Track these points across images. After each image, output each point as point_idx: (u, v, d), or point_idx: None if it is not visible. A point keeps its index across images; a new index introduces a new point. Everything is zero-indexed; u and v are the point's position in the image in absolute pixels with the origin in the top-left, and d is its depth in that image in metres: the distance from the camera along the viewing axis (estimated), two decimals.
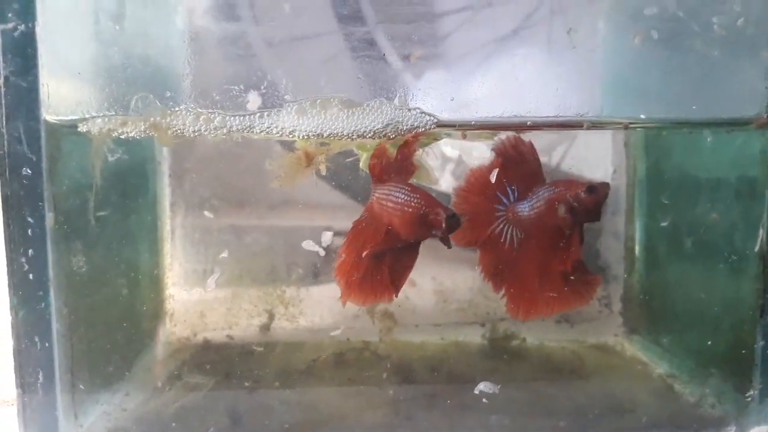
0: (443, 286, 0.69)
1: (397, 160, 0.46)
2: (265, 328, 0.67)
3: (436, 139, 0.55)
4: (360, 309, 0.66)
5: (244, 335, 0.66)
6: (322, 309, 0.69)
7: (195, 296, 0.67)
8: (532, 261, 0.47)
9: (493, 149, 0.48)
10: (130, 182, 0.57)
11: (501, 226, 0.48)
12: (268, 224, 0.70)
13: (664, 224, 0.61)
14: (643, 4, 0.46)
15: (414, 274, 0.66)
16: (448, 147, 0.68)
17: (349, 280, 0.45)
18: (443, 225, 0.42)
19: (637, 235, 0.66)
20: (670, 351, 0.59)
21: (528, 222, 0.46)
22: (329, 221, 0.68)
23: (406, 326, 0.67)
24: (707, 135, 0.49)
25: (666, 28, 0.46)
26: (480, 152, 0.66)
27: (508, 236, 0.47)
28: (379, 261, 0.45)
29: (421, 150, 0.54)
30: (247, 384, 0.55)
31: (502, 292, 0.48)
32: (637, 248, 0.66)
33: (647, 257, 0.65)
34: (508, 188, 0.48)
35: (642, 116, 0.45)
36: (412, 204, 0.43)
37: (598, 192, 0.44)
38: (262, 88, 0.43)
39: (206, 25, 0.45)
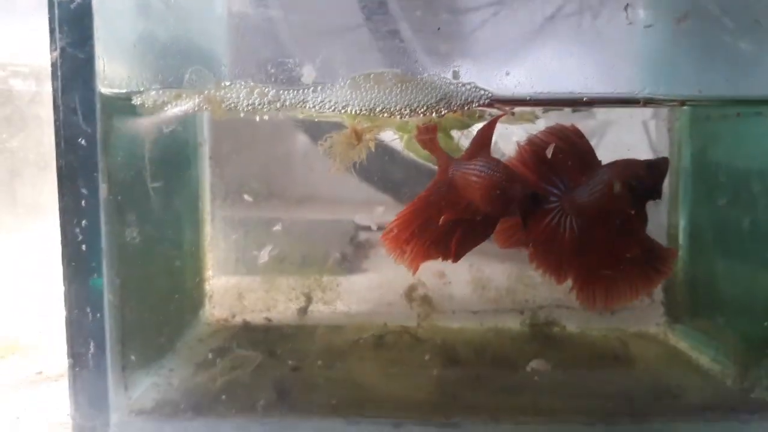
0: (481, 273, 0.68)
1: (477, 137, 0.46)
2: (303, 311, 0.67)
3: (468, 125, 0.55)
4: (396, 295, 0.66)
5: (282, 318, 0.66)
6: (358, 294, 0.69)
7: (233, 279, 0.67)
8: (600, 247, 0.45)
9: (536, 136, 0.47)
10: (175, 161, 0.58)
11: (557, 216, 0.46)
12: (305, 212, 0.70)
13: (710, 212, 0.60)
14: None
15: (449, 267, 0.66)
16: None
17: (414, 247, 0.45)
18: (523, 201, 0.42)
19: (681, 223, 0.65)
20: (717, 338, 0.58)
21: (588, 208, 0.44)
22: (367, 212, 0.68)
23: (444, 312, 0.67)
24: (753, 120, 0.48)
25: (723, 4, 0.45)
26: (519, 137, 0.65)
27: (566, 226, 0.46)
28: (451, 229, 0.45)
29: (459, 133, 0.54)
30: (290, 362, 0.55)
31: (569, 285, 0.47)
32: (680, 236, 0.65)
33: (691, 245, 0.64)
34: (557, 178, 0.46)
35: (699, 92, 0.44)
36: (494, 178, 0.43)
37: (657, 168, 0.43)
38: (317, 61, 0.43)
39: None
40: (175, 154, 0.57)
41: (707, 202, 0.62)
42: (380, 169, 0.64)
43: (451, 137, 0.55)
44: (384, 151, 0.61)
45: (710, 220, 0.61)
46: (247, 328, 0.64)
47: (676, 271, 0.65)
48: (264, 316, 0.67)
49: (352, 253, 0.73)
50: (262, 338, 0.62)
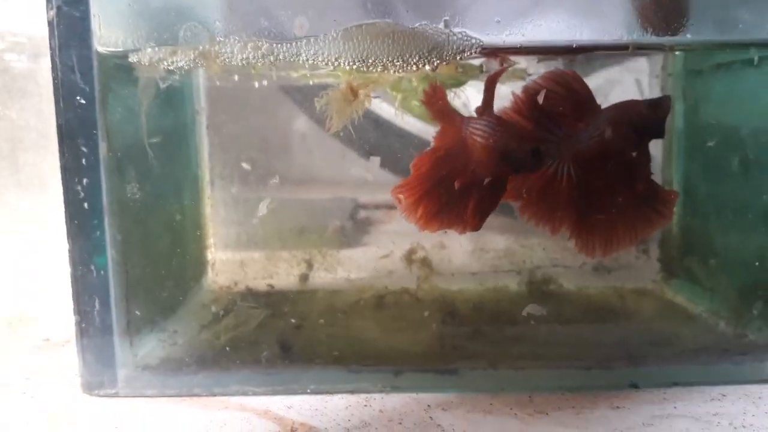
0: (478, 235, 0.69)
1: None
2: (304, 277, 0.68)
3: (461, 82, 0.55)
4: (395, 260, 0.67)
5: (284, 284, 0.67)
6: (358, 259, 0.70)
7: (234, 246, 0.68)
8: (600, 192, 0.45)
9: (533, 83, 0.46)
10: (173, 123, 0.58)
11: (553, 165, 0.45)
12: (303, 177, 0.71)
13: (703, 167, 0.61)
14: None
15: (449, 238, 0.67)
16: (475, 91, 0.69)
17: (428, 206, 0.46)
18: (524, 158, 0.42)
19: (675, 180, 0.66)
20: (711, 289, 0.59)
21: (588, 152, 0.44)
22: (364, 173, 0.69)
23: (443, 275, 0.67)
24: (754, 53, 0.49)
25: None
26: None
27: (563, 174, 0.45)
28: (466, 194, 0.45)
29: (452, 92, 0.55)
30: (293, 320, 0.55)
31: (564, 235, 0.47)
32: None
33: (685, 201, 0.65)
34: (553, 126, 0.45)
35: (688, 36, 0.45)
36: (494, 137, 0.44)
37: (659, 107, 0.43)
38: (309, 12, 0.44)
39: None
40: (173, 117, 0.58)
41: (700, 156, 0.62)
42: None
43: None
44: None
45: (703, 175, 0.62)
46: (250, 294, 0.65)
47: (671, 226, 0.66)
48: (267, 283, 0.67)
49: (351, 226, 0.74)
50: (266, 302, 0.63)
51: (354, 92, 0.50)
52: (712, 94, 0.61)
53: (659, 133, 0.44)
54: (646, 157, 0.44)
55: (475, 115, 0.48)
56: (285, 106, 0.69)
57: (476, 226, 0.46)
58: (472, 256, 0.69)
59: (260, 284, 0.67)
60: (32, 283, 0.73)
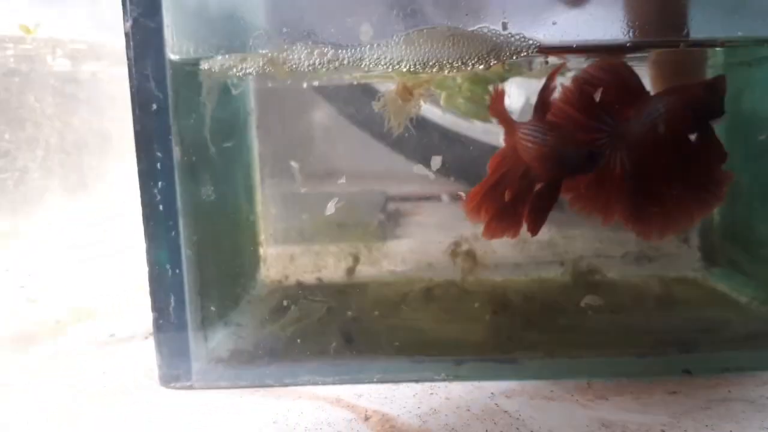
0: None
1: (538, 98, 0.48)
2: (351, 271, 0.70)
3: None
4: (440, 252, 0.69)
5: (332, 277, 0.69)
6: (402, 252, 0.72)
7: (285, 242, 0.70)
8: (656, 179, 0.46)
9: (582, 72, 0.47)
10: (234, 126, 0.60)
11: (608, 152, 0.46)
12: (352, 175, 0.73)
13: (744, 155, 0.62)
14: None
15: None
16: (514, 87, 0.70)
17: (491, 211, 0.48)
18: (579, 164, 0.44)
19: None
20: (755, 278, 0.61)
21: (642, 139, 0.45)
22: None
23: (486, 266, 0.69)
24: None
25: None
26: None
27: (617, 164, 0.46)
28: (521, 199, 0.47)
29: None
30: (349, 313, 0.58)
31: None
32: None
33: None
34: (605, 115, 0.46)
35: (739, 33, 0.46)
36: (547, 142, 0.45)
37: (715, 87, 0.44)
38: (374, 19, 0.46)
39: None
40: (234, 119, 0.60)
41: (742, 145, 0.63)
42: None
43: (486, 90, 0.57)
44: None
45: (744, 163, 0.63)
46: (301, 287, 0.68)
47: (712, 215, 0.67)
48: (316, 276, 0.70)
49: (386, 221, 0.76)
50: (319, 295, 0.65)
51: (409, 91, 0.52)
52: (754, 84, 0.62)
53: (718, 113, 0.44)
54: (711, 137, 0.45)
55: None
56: (328, 107, 0.71)
57: (534, 231, 0.48)
58: (515, 247, 0.71)
59: (310, 278, 0.70)
60: (95, 278, 0.76)
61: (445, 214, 0.80)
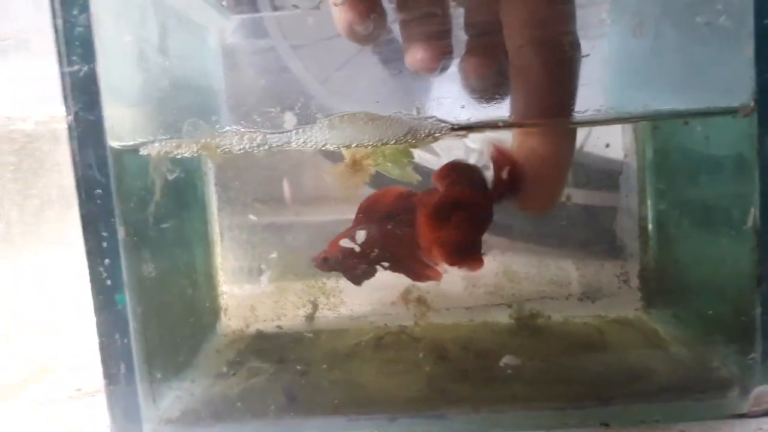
0: (470, 271, 0.74)
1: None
2: (310, 317, 0.73)
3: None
4: (394, 296, 0.73)
5: (291, 324, 0.73)
6: (360, 298, 0.75)
7: (245, 292, 0.74)
8: None
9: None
10: (183, 193, 0.64)
11: None
12: (305, 221, 0.76)
13: (665, 205, 0.66)
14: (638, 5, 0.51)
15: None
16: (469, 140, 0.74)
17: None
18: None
19: (649, 215, 0.70)
20: (682, 321, 0.64)
21: None
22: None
23: (439, 310, 0.73)
24: (697, 125, 0.54)
25: (660, 28, 0.50)
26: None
27: None
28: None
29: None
30: (299, 367, 0.61)
31: None
32: (650, 227, 0.70)
33: (659, 235, 0.69)
34: None
35: (641, 109, 0.50)
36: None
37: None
38: (296, 108, 0.49)
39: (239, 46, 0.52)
40: (183, 188, 0.64)
41: (670, 194, 0.67)
42: None
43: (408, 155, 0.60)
44: None
45: (672, 211, 0.67)
46: (260, 336, 0.71)
47: (648, 258, 0.71)
48: (276, 324, 0.73)
49: None
50: (275, 345, 0.69)
51: (358, 164, 0.56)
52: (675, 136, 0.65)
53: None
54: None
55: None
56: (285, 160, 0.75)
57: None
58: (465, 291, 0.75)
59: (270, 326, 0.73)
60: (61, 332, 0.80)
61: None
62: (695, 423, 0.51)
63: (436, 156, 0.79)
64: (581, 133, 0.73)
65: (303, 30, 0.60)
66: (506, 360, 0.57)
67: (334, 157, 0.60)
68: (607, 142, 0.74)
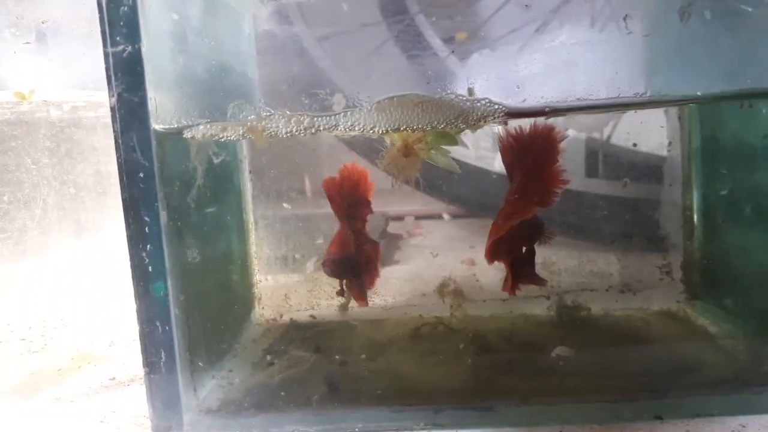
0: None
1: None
2: (344, 307, 0.72)
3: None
4: (429, 286, 0.71)
5: (325, 314, 0.72)
6: (393, 288, 0.74)
7: (279, 281, 0.73)
8: None
9: None
10: (221, 180, 0.63)
11: None
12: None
13: (723, 192, 0.64)
14: None
15: (478, 253, 0.71)
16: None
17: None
18: None
19: (695, 204, 0.68)
20: (732, 313, 0.62)
21: None
22: (398, 206, 0.73)
23: (474, 302, 0.71)
24: (762, 106, 0.52)
25: (716, 7, 0.49)
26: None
27: None
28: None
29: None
30: (337, 357, 0.60)
31: None
32: (695, 217, 0.68)
33: (706, 225, 0.67)
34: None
35: (698, 93, 0.48)
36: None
37: None
38: (347, 90, 0.48)
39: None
40: (222, 175, 0.63)
41: (719, 182, 0.65)
42: None
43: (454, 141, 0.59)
44: None
45: (722, 200, 0.65)
46: (294, 326, 0.70)
47: (693, 249, 0.69)
48: (309, 314, 0.72)
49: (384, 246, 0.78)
50: (309, 335, 0.68)
51: (409, 148, 0.54)
52: (726, 122, 0.63)
53: None
54: None
55: None
56: (321, 147, 0.73)
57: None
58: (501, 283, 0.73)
59: (303, 315, 0.72)
60: (95, 324, 0.79)
61: (444, 234, 0.82)
62: (755, 416, 0.49)
63: (465, 147, 0.78)
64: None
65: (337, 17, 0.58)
66: (558, 351, 0.55)
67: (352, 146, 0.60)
68: (634, 142, 0.72)
